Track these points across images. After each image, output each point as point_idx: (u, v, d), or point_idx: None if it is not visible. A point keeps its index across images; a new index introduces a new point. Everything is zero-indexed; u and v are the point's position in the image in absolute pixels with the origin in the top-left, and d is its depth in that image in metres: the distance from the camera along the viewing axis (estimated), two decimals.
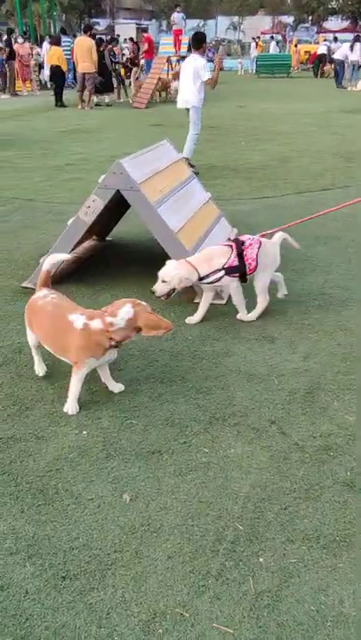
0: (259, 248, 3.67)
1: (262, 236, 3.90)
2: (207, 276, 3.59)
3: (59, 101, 17.15)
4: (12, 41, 19.98)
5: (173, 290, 3.55)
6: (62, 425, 2.78)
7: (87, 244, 5.23)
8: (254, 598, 1.92)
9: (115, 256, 5.08)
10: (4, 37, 19.91)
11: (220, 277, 3.61)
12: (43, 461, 2.53)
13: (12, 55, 19.31)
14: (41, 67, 21.68)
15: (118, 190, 4.00)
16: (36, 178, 8.03)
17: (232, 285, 3.69)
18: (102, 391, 3.04)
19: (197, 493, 2.36)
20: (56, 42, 17.94)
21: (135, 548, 2.10)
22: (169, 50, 22.11)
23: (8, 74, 20.00)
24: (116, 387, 3.04)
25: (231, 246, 3.68)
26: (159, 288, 3.54)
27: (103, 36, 22.70)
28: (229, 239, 3.90)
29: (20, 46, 19.87)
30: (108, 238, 5.43)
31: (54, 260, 3.15)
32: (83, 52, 16.07)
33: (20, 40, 20.32)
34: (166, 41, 24.23)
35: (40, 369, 3.18)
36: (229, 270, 3.62)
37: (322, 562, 2.05)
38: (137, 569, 2.02)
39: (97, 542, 2.12)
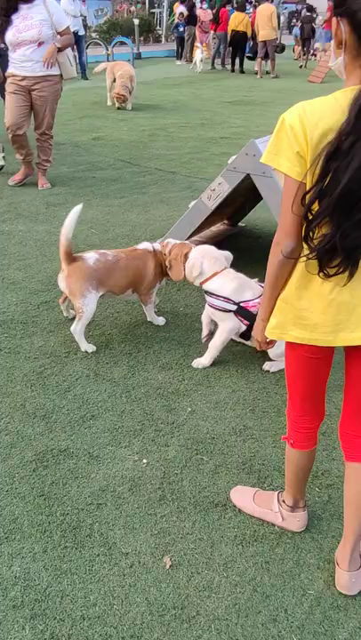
0: None
1: None
2: (217, 296, 2.74)
3: (239, 67, 16.90)
4: (196, 6, 19.66)
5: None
6: (123, 446, 2.39)
7: (215, 227, 4.77)
8: None
9: (242, 246, 4.57)
10: (185, 1, 19.56)
11: (225, 310, 2.74)
12: (87, 489, 2.16)
13: (191, 20, 19.02)
14: None
15: (248, 174, 3.49)
16: (185, 149, 7.66)
17: (228, 323, 2.76)
18: (180, 408, 2.61)
19: (255, 577, 1.86)
20: (242, 7, 17.45)
21: (157, 639, 1.67)
22: None
23: (186, 39, 19.75)
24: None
25: None
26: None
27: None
28: None
29: (203, 12, 19.53)
30: (240, 224, 4.93)
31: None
32: (263, 20, 15.57)
33: (205, 5, 19.98)
34: None
35: None
36: (242, 311, 2.74)
37: None
38: None
39: (115, 617, 1.72)
